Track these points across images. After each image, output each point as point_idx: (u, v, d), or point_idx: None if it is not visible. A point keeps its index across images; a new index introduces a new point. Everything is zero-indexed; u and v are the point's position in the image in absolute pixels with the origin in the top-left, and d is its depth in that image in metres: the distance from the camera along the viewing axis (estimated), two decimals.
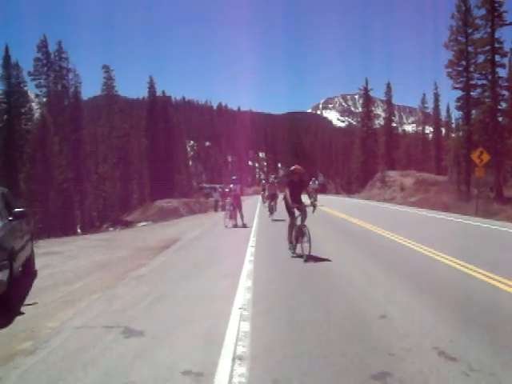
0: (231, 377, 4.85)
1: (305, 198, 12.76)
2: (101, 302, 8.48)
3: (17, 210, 8.80)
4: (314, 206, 12.37)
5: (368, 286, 8.87)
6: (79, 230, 56.07)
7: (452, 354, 5.32)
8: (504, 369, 4.95)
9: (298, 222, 12.29)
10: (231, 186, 23.21)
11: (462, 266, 10.44)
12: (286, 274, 10.15)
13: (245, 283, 9.26)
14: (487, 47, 39.78)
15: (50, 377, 5.04)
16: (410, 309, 7.24)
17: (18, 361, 5.63)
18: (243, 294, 8.41)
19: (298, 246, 12.19)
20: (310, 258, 11.43)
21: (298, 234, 12.20)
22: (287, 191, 12.30)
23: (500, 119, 40.89)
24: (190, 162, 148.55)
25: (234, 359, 5.33)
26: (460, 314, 6.95)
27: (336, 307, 7.36)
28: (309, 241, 11.63)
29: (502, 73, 41.51)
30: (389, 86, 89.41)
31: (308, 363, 5.17)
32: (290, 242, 12.69)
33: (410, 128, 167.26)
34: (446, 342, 5.74)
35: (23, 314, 7.89)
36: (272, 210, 24.58)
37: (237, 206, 21.93)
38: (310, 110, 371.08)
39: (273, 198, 25.35)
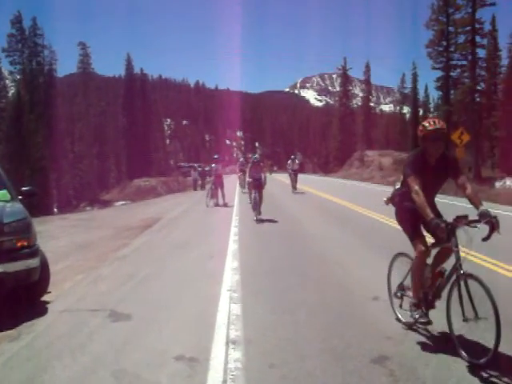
0: (226, 362, 4.69)
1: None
2: (85, 284, 8.26)
3: (25, 188, 8.33)
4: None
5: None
6: (56, 210, 55.31)
7: None
8: None
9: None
10: (213, 165, 22.99)
11: None
12: (274, 256, 10.03)
13: (231, 264, 9.09)
14: (468, 28, 39.79)
15: (37, 364, 4.83)
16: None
17: (2, 347, 5.39)
18: (231, 275, 8.25)
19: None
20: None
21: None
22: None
23: (478, 99, 41.08)
24: (168, 141, 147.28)
25: (227, 343, 5.17)
26: None
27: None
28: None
29: (482, 53, 41.71)
30: (367, 66, 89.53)
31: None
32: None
33: (387, 108, 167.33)
34: None
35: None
36: (257, 205, 16.31)
37: (218, 184, 21.71)
38: (287, 89, 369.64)
39: (257, 186, 16.75)
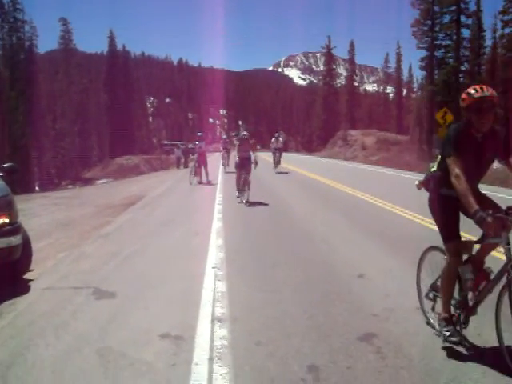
0: (212, 340, 4.65)
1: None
2: (67, 262, 8.15)
3: (6, 165, 8.10)
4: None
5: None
6: (37, 188, 54.79)
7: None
8: None
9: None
10: (196, 142, 22.83)
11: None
12: (258, 233, 9.99)
13: (216, 241, 9.04)
14: (453, 7, 39.69)
15: (20, 342, 4.75)
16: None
17: None
18: (215, 252, 8.19)
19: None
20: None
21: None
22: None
23: (462, 80, 41.12)
24: (150, 119, 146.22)
25: (213, 321, 5.13)
26: None
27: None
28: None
29: (466, 34, 41.71)
30: (352, 45, 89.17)
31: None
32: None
33: (371, 88, 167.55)
34: None
35: None
36: (244, 188, 14.57)
37: (202, 162, 21.59)
38: (271, 68, 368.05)
39: (246, 166, 14.88)
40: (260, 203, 14.24)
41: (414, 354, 4.28)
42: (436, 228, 4.62)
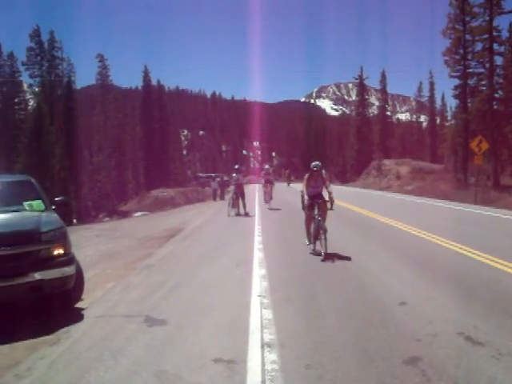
0: (263, 364, 4.83)
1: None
2: (116, 292, 8.44)
3: (59, 198, 8.55)
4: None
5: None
6: (75, 220, 55.74)
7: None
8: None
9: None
10: (234, 174, 23.10)
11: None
12: (296, 260, 10.15)
13: (258, 271, 9.23)
14: (485, 35, 39.69)
15: (80, 366, 5.00)
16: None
17: (44, 351, 5.57)
18: (259, 281, 8.38)
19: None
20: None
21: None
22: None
23: (496, 107, 40.88)
24: (185, 152, 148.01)
25: (262, 346, 5.31)
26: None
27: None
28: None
29: (499, 61, 41.55)
30: (383, 75, 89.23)
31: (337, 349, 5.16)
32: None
33: (403, 117, 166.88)
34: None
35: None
36: (321, 234, 10.84)
37: (240, 194, 21.83)
38: (303, 99, 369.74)
39: (321, 207, 11.09)
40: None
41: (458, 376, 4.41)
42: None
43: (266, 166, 28.53)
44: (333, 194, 10.95)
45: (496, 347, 5.14)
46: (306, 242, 11.58)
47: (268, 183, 26.48)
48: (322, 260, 10.02)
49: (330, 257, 10.12)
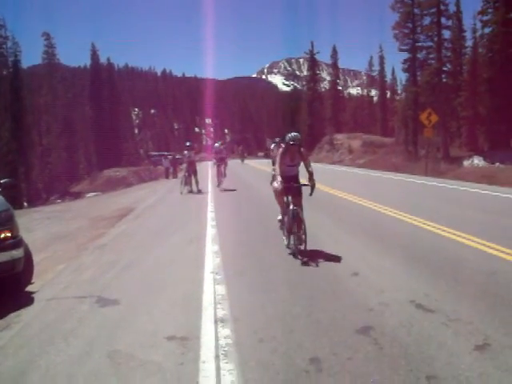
0: (217, 339, 4.86)
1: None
2: (68, 273, 8.31)
3: (4, 180, 8.25)
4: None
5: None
6: (26, 204, 54.57)
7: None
8: None
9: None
10: (185, 152, 22.94)
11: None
12: (251, 236, 10.18)
13: (211, 247, 9.22)
14: (433, 9, 40.18)
15: (31, 350, 4.91)
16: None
17: None
18: (212, 258, 8.38)
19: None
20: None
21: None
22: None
23: (445, 80, 41.61)
24: (136, 130, 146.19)
25: (216, 322, 5.34)
26: None
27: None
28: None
29: (447, 35, 42.26)
30: (335, 50, 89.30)
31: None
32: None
33: (354, 91, 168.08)
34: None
35: None
36: (292, 234, 8.68)
37: (192, 171, 21.73)
38: (255, 75, 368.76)
39: (294, 191, 8.72)
40: (254, 208, 14.34)
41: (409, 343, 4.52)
42: None
43: (216, 144, 25.44)
44: (314, 175, 8.51)
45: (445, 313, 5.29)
46: (284, 239, 8.96)
47: (221, 161, 23.17)
48: (301, 260, 7.90)
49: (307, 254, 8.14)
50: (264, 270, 7.47)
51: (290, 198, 8.69)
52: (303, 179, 8.77)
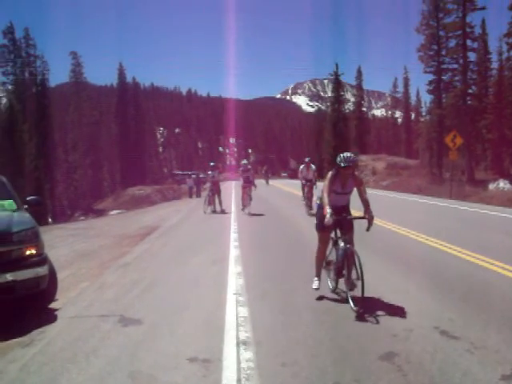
0: (239, 362, 4.81)
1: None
2: (91, 291, 8.33)
3: (31, 197, 8.36)
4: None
5: None
6: (50, 220, 55.14)
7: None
8: None
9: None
10: (209, 172, 22.99)
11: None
12: (274, 258, 10.13)
13: (234, 269, 9.19)
14: (458, 32, 40.15)
15: (53, 368, 4.91)
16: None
17: (16, 353, 5.46)
18: (235, 279, 8.35)
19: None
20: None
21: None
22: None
23: (470, 102, 41.40)
24: (160, 149, 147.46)
25: (238, 344, 5.29)
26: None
27: None
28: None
29: (472, 57, 42.10)
30: (359, 71, 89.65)
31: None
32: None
33: (378, 112, 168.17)
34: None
35: None
36: (340, 277, 7.09)
37: (216, 191, 21.76)
38: (279, 96, 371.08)
39: (345, 229, 6.99)
40: (278, 231, 14.22)
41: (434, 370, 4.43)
42: None
43: (244, 161, 22.90)
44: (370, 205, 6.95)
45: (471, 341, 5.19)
46: (315, 279, 7.41)
47: (247, 183, 20.73)
48: (357, 311, 6.25)
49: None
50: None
51: (338, 232, 7.10)
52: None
